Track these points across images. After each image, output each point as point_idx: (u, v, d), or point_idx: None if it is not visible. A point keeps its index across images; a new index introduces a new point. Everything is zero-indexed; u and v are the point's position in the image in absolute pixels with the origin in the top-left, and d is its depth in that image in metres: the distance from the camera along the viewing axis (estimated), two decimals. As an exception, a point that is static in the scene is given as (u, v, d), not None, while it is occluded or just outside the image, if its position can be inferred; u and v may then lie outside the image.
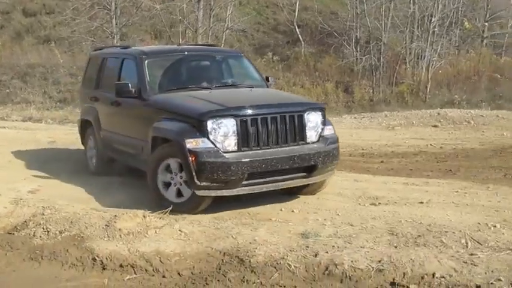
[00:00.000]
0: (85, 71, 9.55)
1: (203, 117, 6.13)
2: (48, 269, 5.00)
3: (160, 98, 7.14)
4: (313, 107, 6.86)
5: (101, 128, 8.36)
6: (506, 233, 5.34)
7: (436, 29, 19.59)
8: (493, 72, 19.21)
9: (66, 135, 12.05)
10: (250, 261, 4.75)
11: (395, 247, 4.85)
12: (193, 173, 5.96)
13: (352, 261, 4.51)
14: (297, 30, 22.10)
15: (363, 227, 5.52)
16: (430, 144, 11.10)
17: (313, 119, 6.65)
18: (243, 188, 6.17)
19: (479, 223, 5.62)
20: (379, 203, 6.49)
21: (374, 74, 20.05)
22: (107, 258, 5.01)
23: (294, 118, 6.47)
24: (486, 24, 22.11)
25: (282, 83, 19.17)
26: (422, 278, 4.28)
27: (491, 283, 4.15)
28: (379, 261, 4.49)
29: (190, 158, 5.95)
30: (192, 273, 4.77)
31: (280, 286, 4.37)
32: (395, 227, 5.47)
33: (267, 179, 6.29)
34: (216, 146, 6.02)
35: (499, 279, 4.19)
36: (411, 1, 20.66)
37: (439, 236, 5.14)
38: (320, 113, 6.77)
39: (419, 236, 5.15)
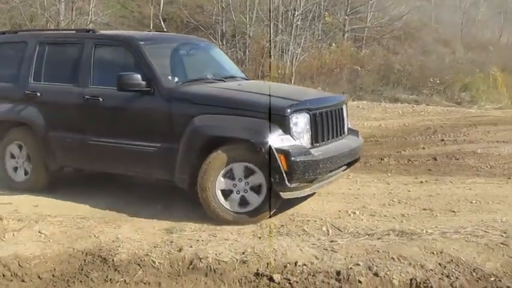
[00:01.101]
0: None
1: (287, 112, 5.52)
2: None
3: (192, 91, 6.22)
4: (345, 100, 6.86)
5: (48, 130, 6.70)
6: (365, 219, 5.60)
7: (299, 23, 20.11)
8: (354, 65, 20.04)
9: None
10: (113, 259, 4.61)
11: (259, 238, 4.92)
12: (284, 175, 5.30)
13: (216, 254, 4.50)
14: (163, 23, 21.83)
15: (229, 219, 5.56)
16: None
17: (346, 112, 6.58)
18: (314, 186, 5.75)
19: (339, 211, 5.85)
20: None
21: (240, 67, 20.23)
22: (-40, 266, 4.69)
23: (341, 111, 6.34)
24: (347, 18, 23.00)
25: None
26: (285, 267, 4.35)
27: (350, 268, 4.31)
28: (243, 253, 4.53)
29: (279, 159, 5.33)
30: (53, 275, 4.56)
31: (145, 283, 4.28)
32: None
33: (330, 174, 5.98)
34: (300, 143, 5.57)
35: (358, 264, 4.36)
36: (275, -6, 21.06)
37: (301, 225, 5.28)
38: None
39: (282, 225, 5.26)
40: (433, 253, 4.55)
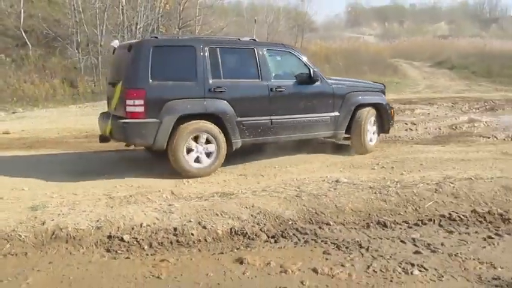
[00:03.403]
0: (143, 66, 6.09)
1: (384, 89, 8.74)
2: None
3: (336, 81, 7.76)
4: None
5: (236, 117, 6.50)
6: (196, 186, 5.65)
7: (140, 34, 19.66)
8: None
9: None
10: (-18, 237, 4.20)
11: (111, 207, 4.74)
12: (392, 120, 8.51)
13: (75, 224, 4.27)
14: (24, 35, 20.07)
15: (85, 194, 5.30)
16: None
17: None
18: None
19: (176, 181, 5.85)
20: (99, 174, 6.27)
21: (95, 71, 19.44)
22: None
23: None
24: (179, 30, 22.87)
25: (13, 81, 17.45)
26: (133, 228, 4.26)
27: (185, 224, 4.33)
28: (97, 221, 4.34)
29: (391, 111, 8.39)
30: None
31: (12, 255, 3.93)
32: (111, 192, 5.37)
33: None
34: None
35: (190, 221, 4.40)
36: (120, 11, 20.37)
37: (146, 195, 5.19)
38: None
39: (130, 196, 5.12)
40: (247, 207, 4.72)
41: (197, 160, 6.29)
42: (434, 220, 4.75)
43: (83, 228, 4.24)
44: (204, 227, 4.31)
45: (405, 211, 4.93)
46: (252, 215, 4.58)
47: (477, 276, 3.56)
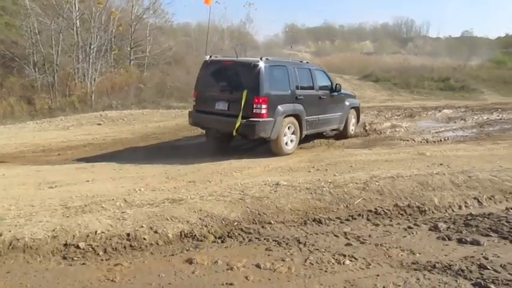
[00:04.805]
0: (264, 79, 7.77)
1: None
2: None
3: (340, 91, 9.87)
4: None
5: (304, 116, 8.56)
6: (148, 193, 5.50)
7: (94, 54, 19.12)
8: (139, 83, 19.57)
9: None
10: None
11: (67, 217, 4.55)
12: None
13: (31, 234, 4.07)
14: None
15: (42, 205, 5.04)
16: (96, 138, 10.79)
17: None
18: None
19: (129, 189, 5.68)
20: (56, 186, 6.00)
21: (51, 89, 18.66)
22: None
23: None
24: (130, 50, 22.45)
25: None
26: (88, 236, 4.11)
27: (137, 230, 4.23)
28: (54, 230, 4.15)
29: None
30: None
31: (-31, 266, 3.71)
32: (67, 202, 5.15)
33: None
34: None
35: (142, 226, 4.29)
36: (75, 33, 19.72)
37: (100, 203, 5.00)
38: None
39: (85, 205, 4.93)
40: (195, 211, 4.66)
41: (286, 144, 8.22)
42: (362, 215, 4.87)
43: (40, 237, 4.05)
44: (156, 232, 4.22)
45: (338, 208, 5.02)
46: (200, 218, 4.53)
47: (399, 262, 3.68)
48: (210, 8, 12.47)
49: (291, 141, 8.28)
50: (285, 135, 8.09)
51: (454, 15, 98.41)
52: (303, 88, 8.58)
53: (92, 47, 19.24)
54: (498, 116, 14.53)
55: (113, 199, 5.20)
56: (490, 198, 5.45)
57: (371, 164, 6.87)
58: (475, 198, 5.42)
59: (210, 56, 8.70)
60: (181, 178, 6.29)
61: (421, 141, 9.63)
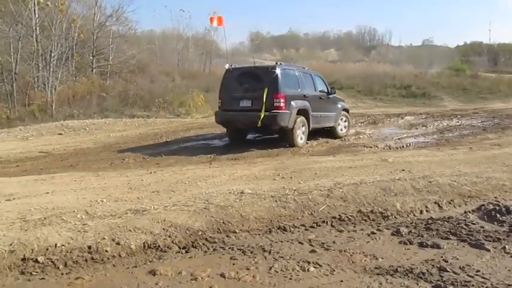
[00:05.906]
0: (281, 79, 9.84)
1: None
2: None
3: (334, 95, 12.02)
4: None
5: (310, 111, 10.40)
6: (110, 204, 5.39)
7: (54, 62, 18.67)
8: (101, 92, 19.21)
9: None
10: None
11: (26, 230, 4.41)
12: None
13: (-14, 250, 3.94)
14: None
15: (-2, 219, 4.90)
16: (56, 148, 10.53)
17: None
18: None
19: (91, 200, 5.54)
20: (13, 198, 5.78)
21: (10, 98, 18.07)
22: None
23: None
24: (93, 58, 22.08)
25: None
26: (47, 249, 3.99)
27: (99, 242, 4.14)
28: (11, 244, 4.01)
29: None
30: None
31: None
32: (26, 215, 4.98)
33: None
34: None
35: (104, 238, 4.20)
36: (35, 40, 19.23)
37: (60, 215, 4.87)
38: None
39: (45, 218, 4.78)
40: (159, 222, 4.60)
41: (300, 138, 10.16)
42: (327, 222, 4.93)
43: (-5, 253, 3.91)
44: (118, 243, 4.15)
45: (302, 215, 5.07)
46: (163, 229, 4.48)
47: (362, 268, 3.74)
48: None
49: (303, 134, 10.20)
50: (298, 128, 9.98)
51: (414, 25, 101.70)
52: (307, 88, 10.58)
53: (53, 54, 18.83)
54: (457, 122, 15.06)
55: (74, 211, 5.07)
56: (450, 202, 5.63)
57: (335, 171, 6.98)
58: (435, 202, 5.58)
59: (231, 65, 10.55)
60: (145, 188, 6.20)
61: (384, 148, 9.86)
